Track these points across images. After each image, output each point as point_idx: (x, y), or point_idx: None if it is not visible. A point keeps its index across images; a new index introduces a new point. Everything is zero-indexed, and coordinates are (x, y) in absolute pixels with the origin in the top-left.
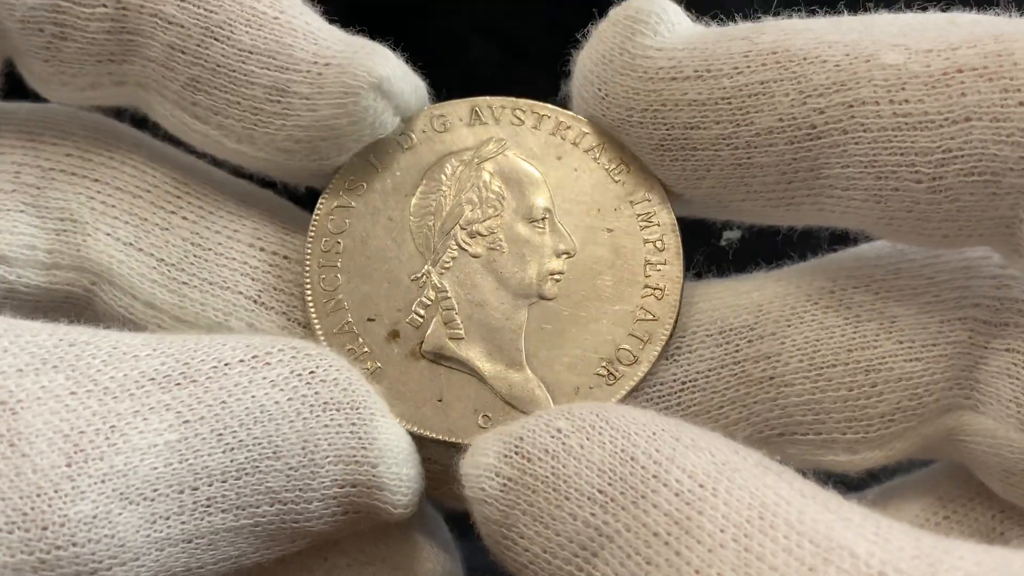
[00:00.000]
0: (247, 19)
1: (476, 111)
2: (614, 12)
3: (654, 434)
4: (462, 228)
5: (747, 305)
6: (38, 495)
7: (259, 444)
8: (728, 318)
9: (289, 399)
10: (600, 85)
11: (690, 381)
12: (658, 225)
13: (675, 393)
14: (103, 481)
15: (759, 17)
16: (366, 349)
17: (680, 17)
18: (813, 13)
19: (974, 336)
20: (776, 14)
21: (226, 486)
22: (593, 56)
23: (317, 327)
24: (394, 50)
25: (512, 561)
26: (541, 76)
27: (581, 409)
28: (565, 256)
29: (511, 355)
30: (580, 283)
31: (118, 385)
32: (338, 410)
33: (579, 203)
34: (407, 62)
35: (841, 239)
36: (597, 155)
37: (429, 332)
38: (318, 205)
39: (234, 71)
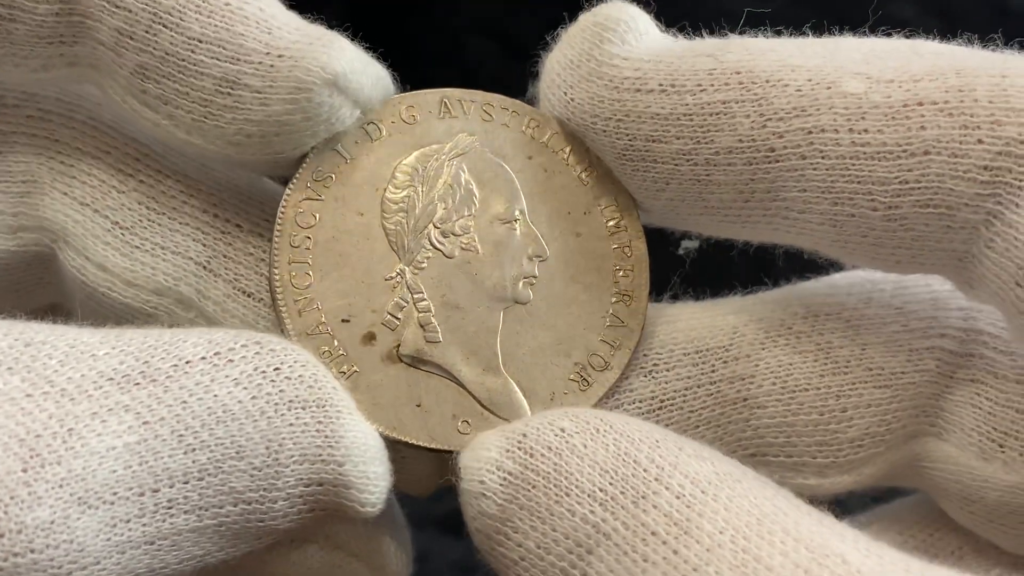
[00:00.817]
0: (197, 6)
1: (446, 103)
2: (584, 17)
3: (657, 441)
4: (436, 227)
5: (723, 327)
6: None
7: (221, 444)
8: (705, 338)
9: (253, 397)
10: (566, 89)
11: (667, 399)
12: (625, 231)
13: (653, 411)
14: (61, 486)
15: (726, 33)
16: (342, 352)
17: (649, 27)
18: (779, 33)
19: (941, 366)
20: (743, 31)
21: (188, 487)
22: (561, 60)
23: (289, 327)
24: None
25: (501, 557)
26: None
27: (585, 412)
28: (537, 259)
29: (488, 359)
30: (552, 287)
31: (75, 386)
32: (303, 408)
33: (549, 205)
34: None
35: (798, 256)
36: (566, 156)
37: (406, 335)
38: (284, 197)
39: (183, 60)
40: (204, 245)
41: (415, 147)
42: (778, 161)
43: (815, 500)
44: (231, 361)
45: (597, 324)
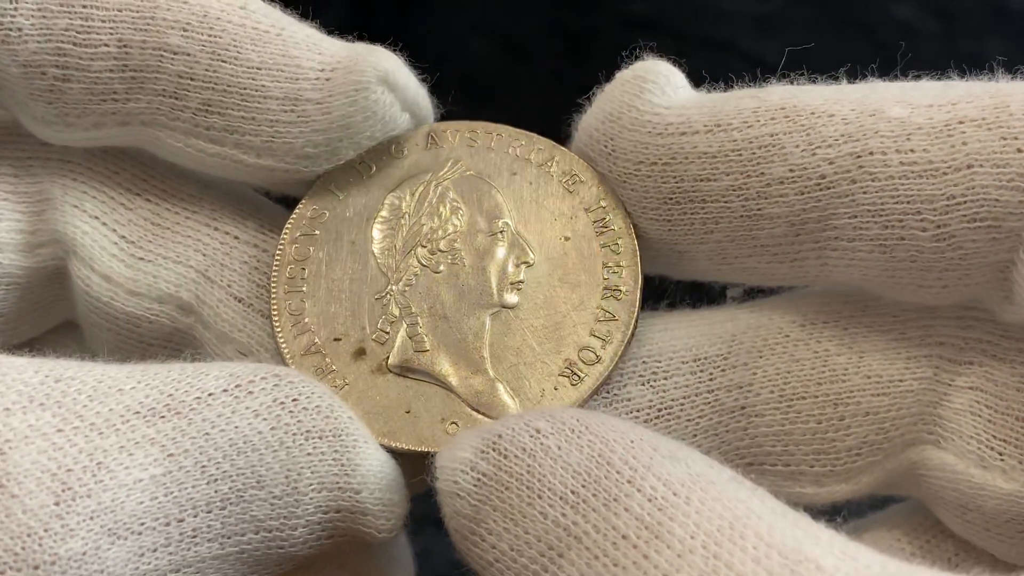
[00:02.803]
0: (252, 38)
1: (432, 136)
2: (621, 74)
3: (632, 442)
4: (422, 246)
5: (721, 335)
6: (28, 535)
7: (243, 474)
8: (703, 346)
9: (272, 428)
10: (606, 142)
11: (666, 408)
12: (613, 230)
13: (651, 420)
14: (92, 518)
15: (756, 69)
16: (333, 368)
17: (684, 82)
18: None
19: (939, 373)
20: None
21: (211, 516)
22: (600, 115)
23: (285, 351)
24: (394, 50)
25: (478, 558)
26: (541, 76)
27: (562, 412)
28: (525, 265)
29: (475, 363)
30: (540, 289)
31: (104, 420)
32: (321, 438)
33: (535, 214)
34: (408, 62)
35: None
36: (550, 167)
37: (395, 347)
38: (283, 232)
39: (245, 88)
40: (204, 255)
41: (404, 178)
42: (829, 188)
43: (811, 509)
44: (251, 393)
45: (587, 320)
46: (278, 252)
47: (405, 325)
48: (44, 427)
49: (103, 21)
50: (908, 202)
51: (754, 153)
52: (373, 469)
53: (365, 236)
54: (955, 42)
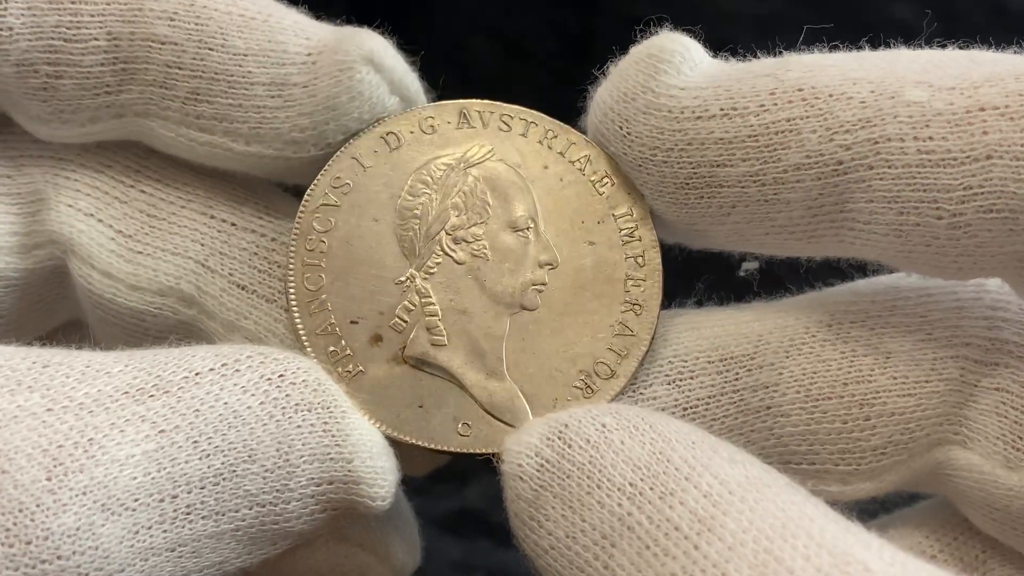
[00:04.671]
0: (239, 25)
1: (464, 114)
2: (636, 50)
3: (693, 443)
4: (447, 234)
5: (747, 334)
6: (20, 510)
7: (234, 448)
8: (729, 346)
9: (261, 403)
10: (622, 123)
11: (691, 408)
12: (639, 241)
13: (677, 419)
14: (84, 493)
15: (779, 51)
16: (348, 352)
17: (702, 55)
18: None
19: (965, 374)
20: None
21: (205, 492)
22: (614, 94)
23: (300, 327)
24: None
25: (534, 544)
26: (541, 76)
27: (629, 410)
28: (548, 267)
29: (492, 364)
30: (561, 295)
31: (93, 400)
32: (310, 410)
33: (563, 214)
34: (408, 61)
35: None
36: (583, 166)
37: (412, 338)
38: (303, 202)
39: (232, 75)
40: (202, 245)
41: (432, 156)
42: (846, 173)
43: (837, 506)
44: (238, 371)
45: (605, 332)
46: (297, 220)
47: (424, 316)
48: (33, 407)
49: (92, 16)
50: (924, 190)
51: (771, 139)
52: (363, 438)
53: (388, 214)
54: (955, 42)
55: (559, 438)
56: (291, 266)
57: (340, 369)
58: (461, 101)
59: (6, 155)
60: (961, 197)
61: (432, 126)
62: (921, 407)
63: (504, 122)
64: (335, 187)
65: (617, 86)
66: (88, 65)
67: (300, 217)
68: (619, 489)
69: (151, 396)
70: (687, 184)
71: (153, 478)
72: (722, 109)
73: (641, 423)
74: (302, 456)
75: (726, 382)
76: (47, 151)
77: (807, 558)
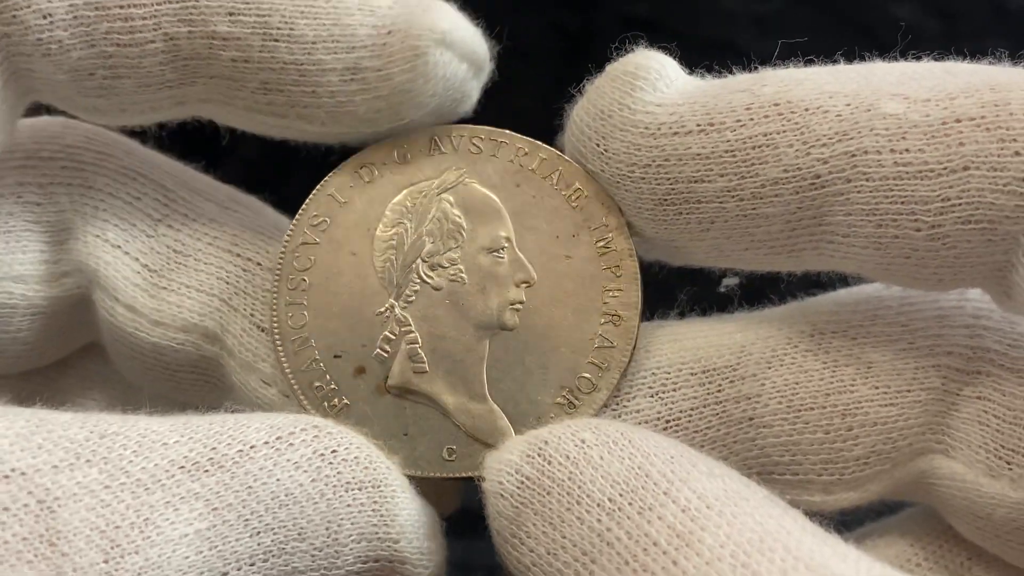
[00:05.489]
0: (303, 12)
1: (435, 140)
2: (612, 68)
3: (672, 457)
4: (423, 261)
5: (730, 346)
6: None
7: (284, 527)
8: (711, 357)
9: (312, 480)
10: (599, 140)
11: (673, 420)
12: (615, 251)
13: (659, 432)
14: (139, 575)
15: (755, 68)
16: (333, 386)
17: (677, 72)
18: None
19: (947, 383)
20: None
21: (254, 569)
22: (591, 111)
23: (285, 365)
24: None
25: (516, 560)
26: (541, 76)
27: (608, 425)
28: (525, 285)
29: (473, 387)
30: (540, 312)
31: (149, 476)
32: (360, 489)
33: (538, 230)
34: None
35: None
36: (554, 181)
37: (394, 367)
38: (283, 242)
39: (303, 65)
40: (227, 283)
41: (406, 186)
42: (824, 187)
43: (820, 516)
44: (292, 445)
45: (585, 346)
46: (279, 261)
47: (405, 344)
48: (91, 484)
49: (144, 19)
50: (902, 202)
51: (748, 154)
52: (411, 519)
53: (366, 247)
54: (955, 42)
55: (539, 455)
56: (274, 305)
57: (326, 404)
58: (431, 128)
59: (37, 181)
60: (939, 208)
61: (404, 155)
62: (903, 416)
63: (475, 144)
64: (314, 225)
65: (594, 103)
66: (147, 67)
67: (281, 257)
68: (598, 505)
69: (206, 471)
70: (665, 200)
71: (204, 557)
72: (699, 125)
73: (620, 438)
74: (351, 535)
75: (708, 394)
76: (76, 178)
77: (784, 572)
